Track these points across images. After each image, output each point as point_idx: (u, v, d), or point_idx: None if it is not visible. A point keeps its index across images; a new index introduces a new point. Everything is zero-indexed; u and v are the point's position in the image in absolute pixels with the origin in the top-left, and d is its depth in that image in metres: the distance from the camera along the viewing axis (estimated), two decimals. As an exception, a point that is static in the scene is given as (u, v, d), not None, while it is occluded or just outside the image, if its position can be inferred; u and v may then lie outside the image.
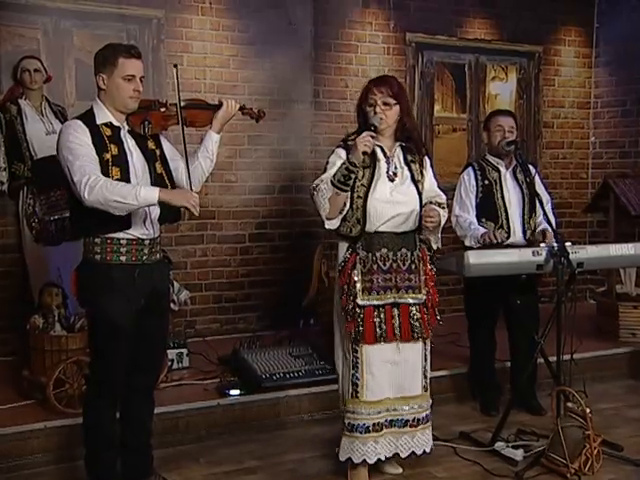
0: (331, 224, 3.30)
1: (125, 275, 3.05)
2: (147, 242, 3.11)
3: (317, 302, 5.18)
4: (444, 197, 3.52)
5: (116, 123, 3.08)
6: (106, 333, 3.06)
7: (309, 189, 3.35)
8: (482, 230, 4.18)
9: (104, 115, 3.07)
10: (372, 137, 3.20)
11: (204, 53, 5.61)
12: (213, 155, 3.26)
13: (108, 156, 2.99)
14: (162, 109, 3.17)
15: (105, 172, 2.96)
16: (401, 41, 6.32)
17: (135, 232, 3.07)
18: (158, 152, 3.18)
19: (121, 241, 3.05)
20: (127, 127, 3.10)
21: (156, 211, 3.11)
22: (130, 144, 3.09)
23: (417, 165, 3.44)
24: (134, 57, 3.05)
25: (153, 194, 2.90)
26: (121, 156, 3.03)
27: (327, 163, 3.38)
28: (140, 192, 2.88)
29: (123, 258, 3.05)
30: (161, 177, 3.14)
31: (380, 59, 6.24)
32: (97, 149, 2.98)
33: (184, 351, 4.68)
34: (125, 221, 3.01)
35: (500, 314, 4.42)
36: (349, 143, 3.34)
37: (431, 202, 3.42)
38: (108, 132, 3.04)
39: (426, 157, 3.51)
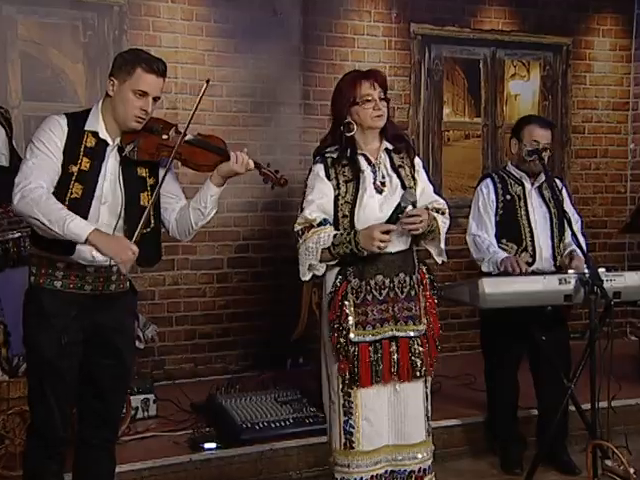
0: (308, 277, 3.33)
1: (58, 304, 3.04)
2: (91, 270, 3.08)
3: (307, 338, 5.16)
4: (443, 202, 3.50)
5: (103, 136, 3.09)
6: (37, 369, 3.07)
7: (294, 231, 3.33)
8: (503, 255, 4.16)
9: (95, 122, 3.09)
10: (388, 233, 3.18)
11: (174, 47, 5.60)
12: (206, 209, 3.19)
13: (75, 169, 3.00)
14: (164, 136, 3.15)
15: (64, 187, 2.97)
16: (405, 33, 6.34)
17: (76, 256, 3.03)
18: (150, 182, 3.17)
19: (57, 264, 3.04)
20: (119, 143, 3.11)
21: None
22: (111, 164, 3.09)
23: (407, 169, 3.43)
24: (155, 73, 3.06)
25: (82, 232, 2.85)
26: (91, 173, 3.03)
27: (305, 186, 3.38)
28: (70, 224, 2.85)
29: (58, 284, 3.06)
30: (144, 210, 3.10)
31: (380, 54, 6.26)
32: (66, 157, 3.00)
33: (150, 397, 4.65)
34: (68, 244, 2.97)
35: (523, 352, 4.38)
36: (327, 156, 3.35)
37: (427, 208, 3.40)
38: (91, 142, 3.06)
39: (417, 158, 3.51)
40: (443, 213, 3.46)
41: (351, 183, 3.31)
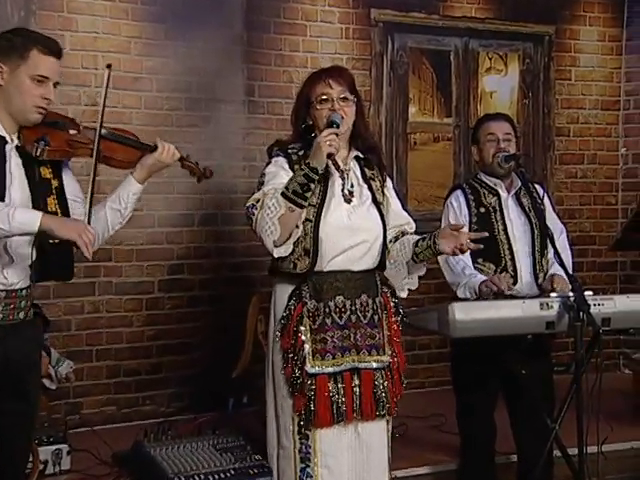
0: (280, 251, 3.30)
1: None
2: (2, 295, 3.05)
3: (253, 373, 5.12)
4: (414, 225, 3.60)
5: (1, 132, 3.06)
6: None
7: (245, 209, 3.35)
8: (480, 278, 4.16)
9: None
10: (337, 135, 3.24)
11: (94, 32, 5.54)
12: (126, 209, 3.26)
13: None
14: (72, 131, 3.16)
15: None
16: (364, 20, 6.38)
17: None
18: (55, 184, 3.17)
19: None
20: (18, 142, 3.09)
21: (28, 257, 3.04)
22: (14, 164, 3.07)
23: (378, 183, 3.50)
24: (54, 54, 3.08)
25: (34, 218, 2.88)
26: None
27: (263, 175, 3.40)
28: (14, 214, 2.86)
29: None
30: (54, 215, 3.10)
31: (336, 44, 6.29)
32: None
33: (63, 448, 4.57)
34: None
35: (500, 389, 4.38)
36: (290, 152, 3.39)
37: (403, 233, 3.51)
38: None
39: (388, 178, 3.61)
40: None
41: (319, 186, 3.33)
